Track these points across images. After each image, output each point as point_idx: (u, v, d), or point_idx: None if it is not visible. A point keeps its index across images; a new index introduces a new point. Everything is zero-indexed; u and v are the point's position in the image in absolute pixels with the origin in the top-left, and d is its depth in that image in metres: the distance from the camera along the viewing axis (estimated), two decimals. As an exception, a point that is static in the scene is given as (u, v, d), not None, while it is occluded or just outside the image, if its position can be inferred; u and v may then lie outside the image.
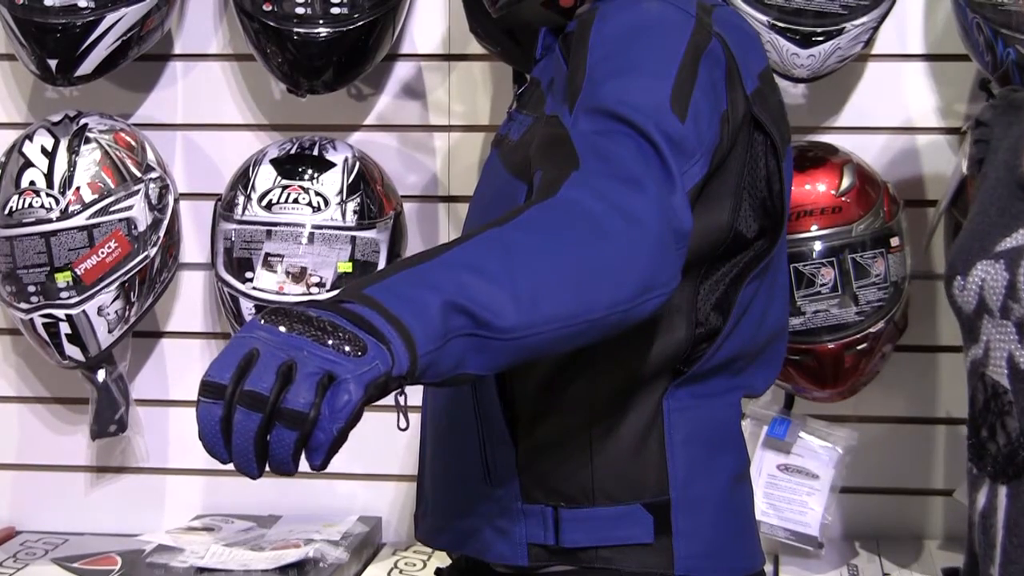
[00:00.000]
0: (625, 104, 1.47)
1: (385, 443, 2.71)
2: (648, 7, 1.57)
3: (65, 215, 2.48)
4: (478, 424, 1.64)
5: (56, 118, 2.58)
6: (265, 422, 1.13)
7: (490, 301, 1.27)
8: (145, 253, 2.53)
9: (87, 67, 2.50)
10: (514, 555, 1.63)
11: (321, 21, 2.45)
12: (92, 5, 2.47)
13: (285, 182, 2.49)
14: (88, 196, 2.49)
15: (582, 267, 1.34)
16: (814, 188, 2.39)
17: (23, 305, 2.50)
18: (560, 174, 1.42)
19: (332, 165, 2.52)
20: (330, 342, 1.16)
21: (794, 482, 2.44)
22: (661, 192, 1.42)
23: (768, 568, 2.48)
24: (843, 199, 2.40)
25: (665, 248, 1.40)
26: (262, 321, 1.18)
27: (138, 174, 2.55)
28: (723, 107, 1.56)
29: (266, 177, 2.51)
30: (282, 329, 1.17)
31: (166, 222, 2.58)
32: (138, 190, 2.53)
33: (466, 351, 1.26)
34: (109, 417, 2.61)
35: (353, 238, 2.47)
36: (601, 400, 1.60)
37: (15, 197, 2.49)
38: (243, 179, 2.53)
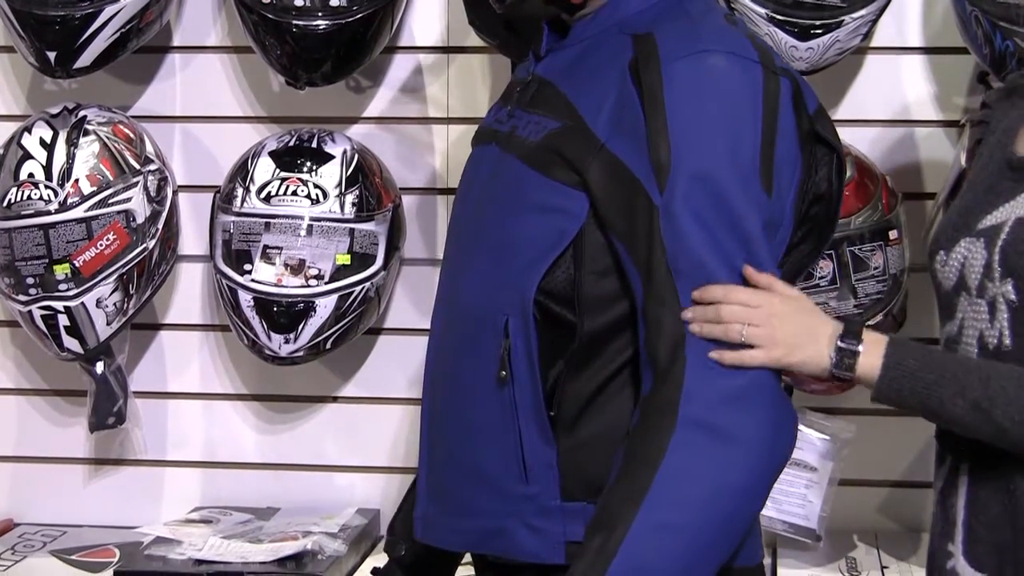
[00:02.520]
0: (718, 191, 1.53)
1: (383, 436, 2.72)
2: (715, 66, 1.58)
3: (64, 207, 2.48)
4: (516, 424, 1.62)
5: (55, 110, 2.58)
6: None
7: None
8: (144, 245, 2.53)
9: (86, 59, 2.50)
10: (550, 553, 1.62)
11: (320, 13, 2.45)
12: (91, -3, 2.47)
13: (284, 174, 2.49)
14: (87, 188, 2.49)
15: (724, 532, 1.54)
16: (813, 181, 2.39)
17: (21, 297, 2.50)
18: (672, 388, 1.52)
19: (331, 157, 2.52)
20: None
21: (792, 475, 2.44)
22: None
23: (766, 561, 2.48)
24: (841, 192, 2.40)
25: (777, 460, 1.57)
26: None
27: (137, 166, 2.54)
28: (796, 140, 1.62)
29: (265, 169, 2.51)
30: None
31: (165, 214, 2.58)
32: (137, 182, 2.53)
33: None
34: (107, 409, 2.61)
35: (351, 230, 2.47)
36: None
37: (14, 189, 2.49)
38: (242, 171, 2.53)
